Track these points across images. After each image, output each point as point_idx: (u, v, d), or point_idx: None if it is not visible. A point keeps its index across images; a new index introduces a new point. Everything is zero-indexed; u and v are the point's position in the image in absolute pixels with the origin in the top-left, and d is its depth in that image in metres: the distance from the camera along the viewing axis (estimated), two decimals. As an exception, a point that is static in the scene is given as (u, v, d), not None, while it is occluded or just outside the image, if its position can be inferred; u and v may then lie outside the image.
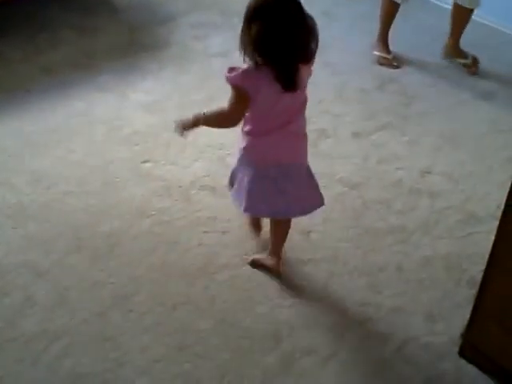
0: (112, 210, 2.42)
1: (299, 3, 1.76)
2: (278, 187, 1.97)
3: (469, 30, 3.54)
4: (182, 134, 2.03)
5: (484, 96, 3.17)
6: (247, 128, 1.93)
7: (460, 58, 3.36)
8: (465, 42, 3.42)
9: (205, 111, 1.96)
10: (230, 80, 1.80)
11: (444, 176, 2.64)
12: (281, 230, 2.13)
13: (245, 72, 1.78)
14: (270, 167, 1.95)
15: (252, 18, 1.74)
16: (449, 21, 3.34)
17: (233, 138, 2.81)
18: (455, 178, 2.63)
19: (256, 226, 2.29)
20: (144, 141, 2.78)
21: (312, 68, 1.88)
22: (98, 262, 2.20)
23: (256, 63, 1.77)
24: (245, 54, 1.77)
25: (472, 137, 2.88)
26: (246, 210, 2.03)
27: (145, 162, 2.66)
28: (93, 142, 2.78)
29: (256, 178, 1.96)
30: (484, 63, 3.40)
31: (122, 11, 3.95)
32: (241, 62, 1.80)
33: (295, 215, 2.09)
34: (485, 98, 3.15)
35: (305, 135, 2.00)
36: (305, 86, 1.89)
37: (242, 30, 1.76)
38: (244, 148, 1.96)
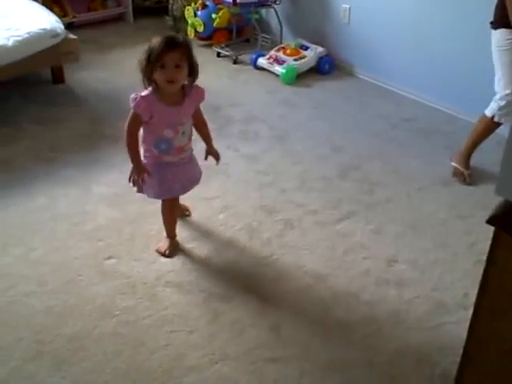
0: (74, 311, 2.34)
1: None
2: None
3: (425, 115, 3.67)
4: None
5: (443, 182, 3.24)
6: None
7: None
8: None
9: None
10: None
11: (410, 264, 2.65)
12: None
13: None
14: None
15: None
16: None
17: (201, 227, 2.79)
18: (421, 267, 2.64)
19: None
20: (107, 236, 2.74)
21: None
22: (59, 369, 2.10)
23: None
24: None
25: (433, 223, 2.92)
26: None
27: (108, 258, 2.61)
28: (55, 238, 2.73)
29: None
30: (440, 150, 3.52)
31: (85, 102, 3.98)
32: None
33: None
34: (443, 184, 3.22)
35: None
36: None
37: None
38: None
